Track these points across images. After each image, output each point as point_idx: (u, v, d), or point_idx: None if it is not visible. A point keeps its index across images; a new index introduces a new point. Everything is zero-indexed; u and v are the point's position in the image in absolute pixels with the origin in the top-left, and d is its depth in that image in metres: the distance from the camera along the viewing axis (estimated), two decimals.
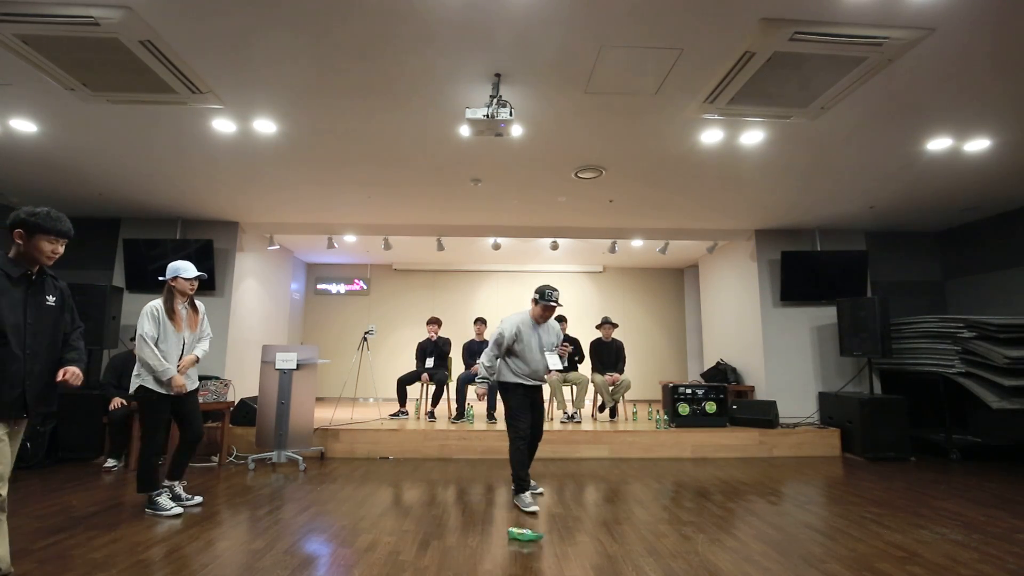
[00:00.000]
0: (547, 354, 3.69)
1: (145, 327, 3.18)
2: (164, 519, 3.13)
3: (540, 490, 3.82)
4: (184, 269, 3.34)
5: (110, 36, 2.58)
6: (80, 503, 3.40)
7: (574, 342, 6.15)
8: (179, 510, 3.22)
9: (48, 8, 2.40)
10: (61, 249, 2.23)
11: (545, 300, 3.63)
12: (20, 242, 2.14)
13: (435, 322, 6.24)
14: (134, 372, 3.22)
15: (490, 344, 3.69)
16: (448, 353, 6.19)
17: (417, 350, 6.20)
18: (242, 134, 3.78)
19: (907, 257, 6.34)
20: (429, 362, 6.01)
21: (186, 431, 3.38)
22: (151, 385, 3.18)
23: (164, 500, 3.23)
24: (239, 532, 2.93)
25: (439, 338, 6.18)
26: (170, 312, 3.28)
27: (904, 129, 3.63)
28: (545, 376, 3.81)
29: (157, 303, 3.28)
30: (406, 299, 9.12)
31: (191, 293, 3.39)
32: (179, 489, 3.41)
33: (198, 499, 3.44)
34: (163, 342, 3.23)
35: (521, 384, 3.65)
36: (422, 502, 3.55)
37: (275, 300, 7.45)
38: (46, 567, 2.40)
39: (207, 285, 5.76)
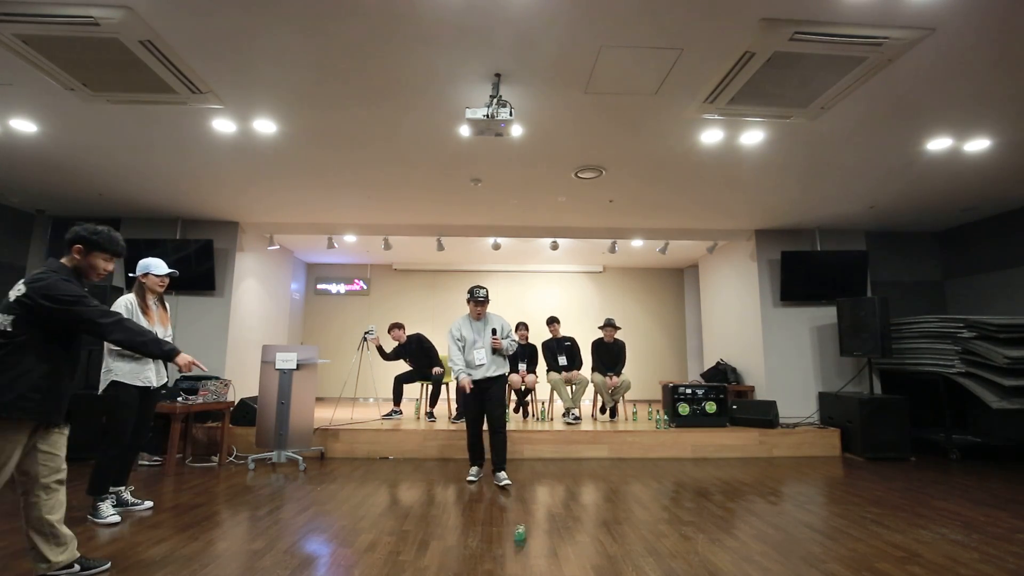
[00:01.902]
0: (475, 350, 4.10)
1: None
2: (103, 527, 2.97)
3: (507, 482, 3.99)
4: (155, 266, 3.33)
5: (110, 36, 2.58)
6: (81, 503, 3.40)
7: (570, 341, 6.16)
8: (117, 518, 3.05)
9: (48, 8, 2.40)
10: (112, 267, 2.35)
11: (471, 296, 4.18)
12: (78, 257, 2.25)
13: (397, 327, 6.03)
14: (103, 369, 3.15)
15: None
16: (431, 348, 6.00)
17: (404, 355, 6.06)
18: (242, 134, 3.78)
19: (907, 257, 6.34)
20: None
21: (135, 435, 3.24)
22: (124, 379, 3.13)
23: (106, 507, 3.08)
24: (239, 532, 2.93)
25: (410, 338, 5.97)
26: (142, 307, 3.26)
27: (904, 129, 3.63)
28: (500, 373, 4.11)
29: (132, 297, 3.25)
30: (406, 299, 9.12)
31: (160, 290, 3.37)
32: (127, 495, 3.30)
33: (148, 503, 3.34)
34: None
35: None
36: (422, 502, 3.55)
37: (275, 300, 7.45)
38: None
39: (207, 285, 5.76)
